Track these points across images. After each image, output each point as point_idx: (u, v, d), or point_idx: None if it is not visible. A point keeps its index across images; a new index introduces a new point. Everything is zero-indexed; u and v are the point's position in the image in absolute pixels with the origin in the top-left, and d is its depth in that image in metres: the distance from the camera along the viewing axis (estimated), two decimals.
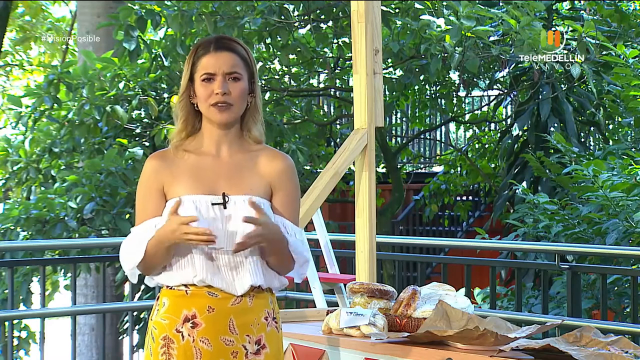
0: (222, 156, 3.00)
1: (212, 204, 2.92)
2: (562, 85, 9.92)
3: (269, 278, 2.97)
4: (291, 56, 10.11)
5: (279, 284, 3.02)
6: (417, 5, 9.21)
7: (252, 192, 2.95)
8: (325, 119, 11.64)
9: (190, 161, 2.99)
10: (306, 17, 9.64)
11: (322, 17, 9.70)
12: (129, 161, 9.14)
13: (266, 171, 3.00)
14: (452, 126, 15.76)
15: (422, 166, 15.42)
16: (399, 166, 12.49)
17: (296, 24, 9.74)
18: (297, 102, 10.69)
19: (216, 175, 2.97)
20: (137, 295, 9.44)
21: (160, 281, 2.97)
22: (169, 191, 2.97)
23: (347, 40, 9.65)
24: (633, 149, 8.89)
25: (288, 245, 2.94)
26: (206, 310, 2.91)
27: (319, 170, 10.08)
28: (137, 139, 9.78)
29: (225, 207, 2.92)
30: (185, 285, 2.93)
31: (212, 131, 3.00)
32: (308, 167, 10.37)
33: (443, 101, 12.11)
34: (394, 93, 11.30)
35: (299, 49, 9.67)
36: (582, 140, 10.38)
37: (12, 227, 8.82)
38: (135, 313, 8.77)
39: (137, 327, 9.57)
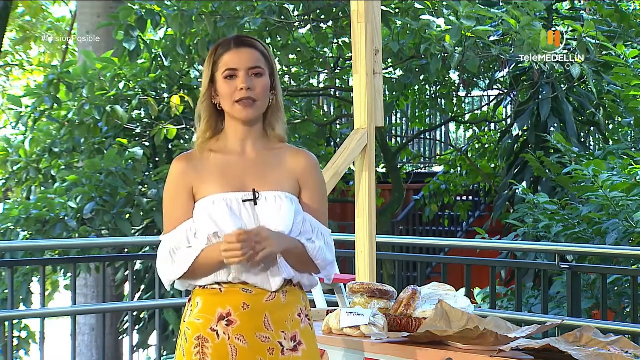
0: (248, 153, 3.00)
1: (243, 201, 2.92)
2: (562, 85, 9.92)
3: (299, 274, 2.98)
4: (291, 56, 10.11)
5: (308, 282, 3.01)
6: (417, 5, 9.21)
7: (281, 188, 2.96)
8: (325, 119, 11.64)
9: (216, 160, 2.99)
10: (306, 17, 9.64)
11: (322, 17, 9.70)
12: (129, 161, 9.14)
13: (292, 167, 3.00)
14: (452, 126, 15.76)
15: (422, 166, 15.41)
16: (399, 166, 12.49)
17: (296, 24, 9.74)
18: (297, 102, 10.69)
19: (244, 173, 2.97)
20: (137, 295, 9.44)
21: (194, 283, 2.97)
22: (198, 191, 2.96)
23: (347, 40, 9.65)
24: (633, 149, 8.89)
25: (307, 251, 2.94)
26: (241, 307, 2.90)
27: None
28: (137, 139, 9.78)
29: (255, 204, 2.93)
30: (219, 284, 2.93)
31: (236, 129, 3.00)
32: None
33: (443, 101, 12.10)
34: (394, 93, 11.30)
35: (299, 49, 9.67)
36: (582, 140, 10.38)
37: (12, 227, 8.81)
38: (135, 313, 8.77)
39: (137, 327, 9.58)
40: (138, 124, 9.77)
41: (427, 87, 11.90)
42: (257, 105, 2.97)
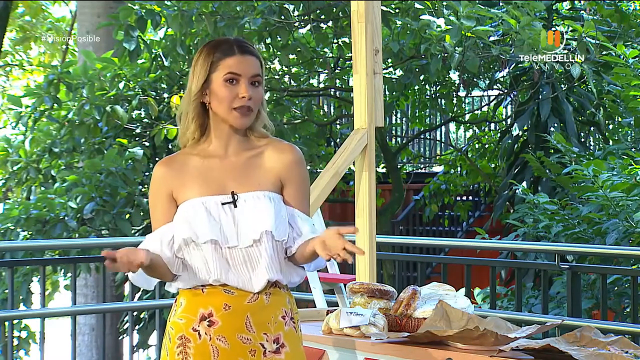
0: (229, 156, 2.99)
1: (222, 204, 2.92)
2: (562, 85, 9.92)
3: (287, 273, 2.97)
4: (291, 56, 10.12)
5: (298, 278, 3.01)
6: (417, 5, 9.21)
7: (260, 188, 2.95)
8: (325, 119, 11.64)
9: (197, 164, 2.98)
10: (306, 17, 9.64)
11: (322, 17, 9.70)
12: (129, 161, 9.14)
13: (274, 165, 2.99)
14: (452, 126, 15.76)
15: (422, 166, 15.41)
16: (399, 166, 12.49)
17: (296, 24, 9.74)
18: (297, 102, 10.69)
19: (224, 176, 2.96)
20: (137, 295, 9.44)
21: (178, 286, 2.98)
22: (178, 196, 2.96)
23: (347, 40, 9.65)
24: (633, 149, 8.89)
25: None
26: (222, 308, 2.90)
27: (319, 170, 10.08)
28: (137, 139, 9.78)
29: (235, 206, 2.92)
30: (202, 285, 2.93)
31: (222, 132, 2.99)
32: (308, 167, 10.37)
33: (443, 101, 12.11)
34: (394, 93, 11.30)
35: (299, 49, 9.67)
36: (582, 140, 10.37)
37: (12, 227, 8.82)
38: (135, 313, 8.77)
39: (137, 327, 9.58)
40: (138, 124, 9.77)
41: (427, 87, 11.90)
42: (253, 114, 2.96)
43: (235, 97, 2.93)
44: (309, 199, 3.05)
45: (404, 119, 13.99)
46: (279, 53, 9.65)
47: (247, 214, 2.90)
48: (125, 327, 9.96)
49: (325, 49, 10.46)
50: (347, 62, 10.32)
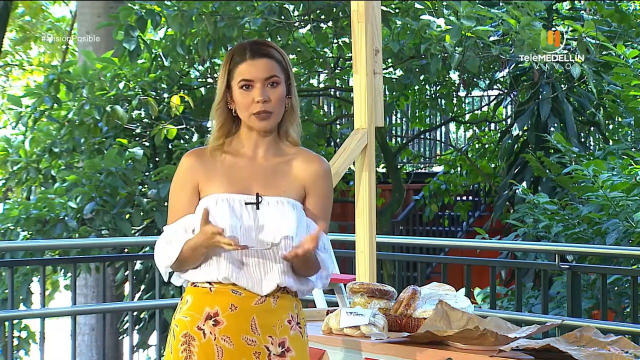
0: (258, 159, 3.00)
1: (245, 203, 2.93)
2: (562, 85, 9.92)
3: (297, 281, 2.97)
4: (291, 56, 10.11)
5: (307, 288, 3.01)
6: (417, 5, 9.21)
7: (285, 194, 2.96)
8: (325, 119, 11.65)
9: (226, 161, 3.00)
10: (306, 17, 9.64)
11: (322, 17, 9.70)
12: (129, 161, 9.14)
13: (301, 174, 3.00)
14: (452, 126, 15.76)
15: (422, 166, 15.42)
16: (399, 166, 12.49)
17: (296, 24, 9.74)
18: None
19: (251, 177, 2.97)
20: (137, 295, 9.44)
21: (186, 277, 2.97)
22: (203, 189, 2.97)
23: (347, 40, 9.66)
24: (633, 149, 8.89)
25: (317, 258, 2.95)
26: (229, 308, 2.90)
27: None
28: (137, 139, 9.78)
29: (258, 208, 2.93)
30: (210, 283, 2.93)
31: (250, 135, 3.01)
32: None
33: (443, 101, 12.11)
34: (394, 93, 11.30)
35: (299, 49, 9.67)
36: (582, 140, 10.37)
37: (12, 227, 8.81)
38: (135, 313, 8.77)
39: (137, 327, 9.57)
40: (138, 124, 9.77)
41: (427, 87, 11.90)
42: (273, 116, 2.97)
43: (252, 102, 2.95)
44: (328, 213, 3.05)
45: (404, 119, 13.99)
46: None
47: (269, 217, 2.92)
48: (125, 327, 9.96)
49: (325, 49, 10.46)
50: (347, 62, 10.32)
